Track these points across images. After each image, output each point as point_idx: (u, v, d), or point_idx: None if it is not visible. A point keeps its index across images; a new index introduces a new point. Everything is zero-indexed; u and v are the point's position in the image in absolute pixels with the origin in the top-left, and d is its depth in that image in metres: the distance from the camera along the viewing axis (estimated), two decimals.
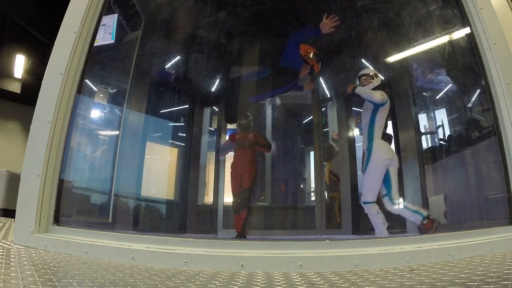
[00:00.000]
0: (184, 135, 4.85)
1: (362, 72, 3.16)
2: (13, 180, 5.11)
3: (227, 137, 4.56)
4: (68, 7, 2.26)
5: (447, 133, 3.96)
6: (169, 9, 4.07)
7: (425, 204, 3.75)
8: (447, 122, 4.00)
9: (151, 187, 4.33)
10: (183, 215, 4.37)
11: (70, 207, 2.66)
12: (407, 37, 3.85)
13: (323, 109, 4.99)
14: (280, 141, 5.10)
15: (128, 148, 3.92)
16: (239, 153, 3.81)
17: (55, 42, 2.20)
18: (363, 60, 4.44)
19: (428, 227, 2.67)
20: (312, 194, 4.98)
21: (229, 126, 5.08)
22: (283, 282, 1.28)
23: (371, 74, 3.06)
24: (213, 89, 4.82)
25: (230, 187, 3.72)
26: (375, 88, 2.95)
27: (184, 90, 4.71)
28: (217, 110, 5.07)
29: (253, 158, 3.75)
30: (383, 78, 3.06)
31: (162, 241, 1.80)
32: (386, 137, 3.73)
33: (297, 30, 3.74)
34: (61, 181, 2.07)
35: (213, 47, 4.45)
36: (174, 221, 4.43)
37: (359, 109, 5.00)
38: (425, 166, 3.94)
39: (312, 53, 3.34)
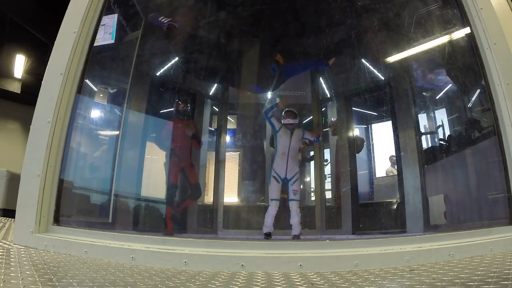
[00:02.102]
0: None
1: (290, 109, 3.70)
2: (13, 180, 5.10)
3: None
4: (68, 7, 2.26)
5: (447, 133, 3.96)
6: (169, 9, 4.07)
7: (425, 204, 3.75)
8: (447, 122, 4.00)
9: (151, 187, 4.32)
10: (183, 215, 4.37)
11: (70, 207, 2.66)
12: (407, 37, 3.85)
13: (323, 109, 5.00)
14: None
15: (128, 148, 3.91)
16: (183, 143, 3.78)
17: (55, 42, 2.20)
18: (363, 60, 4.44)
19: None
20: (312, 194, 4.98)
21: (229, 126, 5.10)
22: (283, 282, 1.28)
23: (295, 112, 3.65)
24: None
25: (168, 178, 3.76)
26: (296, 126, 3.62)
27: (184, 90, 4.71)
28: (217, 110, 5.07)
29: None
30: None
31: (162, 241, 1.81)
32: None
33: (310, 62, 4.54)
34: (61, 181, 2.07)
35: (213, 47, 4.45)
36: (174, 221, 4.42)
37: (359, 109, 5.03)
38: (425, 166, 3.94)
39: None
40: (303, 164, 5.09)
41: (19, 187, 1.98)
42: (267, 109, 3.69)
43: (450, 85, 3.95)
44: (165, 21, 3.69)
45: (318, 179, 4.64)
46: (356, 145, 4.52)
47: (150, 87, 4.30)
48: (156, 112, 4.43)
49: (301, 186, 3.71)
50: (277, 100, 4.83)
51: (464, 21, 2.32)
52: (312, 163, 4.93)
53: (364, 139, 4.68)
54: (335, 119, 4.82)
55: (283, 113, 3.67)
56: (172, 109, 4.46)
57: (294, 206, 3.41)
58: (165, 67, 4.49)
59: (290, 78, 4.21)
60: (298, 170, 3.55)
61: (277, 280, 1.32)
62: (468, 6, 2.24)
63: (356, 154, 4.59)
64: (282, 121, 3.62)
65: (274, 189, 3.47)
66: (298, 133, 3.63)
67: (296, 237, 3.35)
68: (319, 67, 4.53)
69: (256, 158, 5.04)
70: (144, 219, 4.16)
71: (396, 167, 4.43)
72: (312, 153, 4.93)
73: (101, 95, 3.79)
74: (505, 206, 2.01)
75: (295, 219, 3.37)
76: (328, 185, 4.75)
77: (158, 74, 4.45)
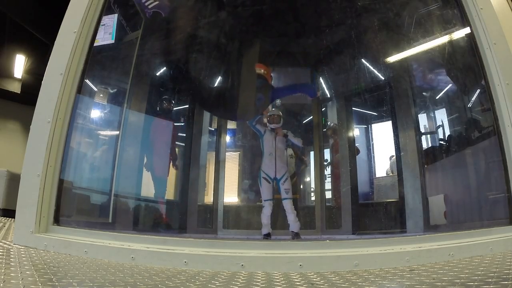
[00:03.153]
0: (184, 135, 4.86)
1: (273, 112, 3.79)
2: (13, 180, 5.10)
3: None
4: (68, 7, 2.26)
5: (447, 133, 3.96)
6: (169, 9, 4.07)
7: (425, 204, 3.75)
8: (447, 122, 4.00)
9: (151, 187, 4.32)
10: (183, 215, 4.37)
11: (70, 207, 2.66)
12: (407, 37, 3.85)
13: (323, 109, 5.00)
14: None
15: (128, 148, 3.91)
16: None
17: (55, 42, 2.19)
18: (363, 60, 4.44)
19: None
20: (312, 194, 4.98)
21: (229, 126, 5.10)
22: (283, 282, 1.28)
23: (279, 115, 3.74)
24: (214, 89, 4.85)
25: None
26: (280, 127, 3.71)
27: (184, 90, 4.71)
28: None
29: None
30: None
31: (162, 241, 1.80)
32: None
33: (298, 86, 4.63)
34: (61, 181, 2.06)
35: (213, 47, 4.45)
36: (174, 221, 4.43)
37: (359, 109, 5.03)
38: (425, 166, 3.94)
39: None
40: (302, 163, 5.11)
41: (19, 187, 1.97)
42: (250, 120, 3.79)
43: (450, 85, 3.95)
44: (150, 6, 3.48)
45: (318, 179, 4.64)
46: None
47: (150, 87, 4.31)
48: (156, 112, 4.43)
49: (291, 184, 3.75)
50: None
51: (464, 21, 2.32)
52: (312, 163, 4.94)
53: (359, 149, 4.79)
54: (331, 123, 4.84)
55: (267, 116, 3.78)
56: (172, 108, 4.49)
57: (288, 204, 3.48)
58: (165, 67, 4.49)
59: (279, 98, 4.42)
60: (287, 169, 3.64)
61: (277, 280, 1.32)
62: (468, 6, 2.24)
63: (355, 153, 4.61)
64: (267, 124, 3.71)
65: (266, 190, 3.56)
66: (278, 136, 3.72)
67: (296, 235, 3.38)
68: (307, 92, 4.69)
69: (256, 158, 5.04)
70: (144, 219, 4.17)
71: (396, 167, 4.43)
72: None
73: (101, 95, 3.79)
74: (505, 206, 2.01)
75: (291, 216, 3.44)
76: (328, 185, 4.75)
77: (158, 74, 4.45)
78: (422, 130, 4.13)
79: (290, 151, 4.49)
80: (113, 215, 3.57)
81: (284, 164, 3.63)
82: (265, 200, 3.54)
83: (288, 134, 3.72)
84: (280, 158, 3.61)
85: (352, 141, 4.63)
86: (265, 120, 3.79)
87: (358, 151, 4.68)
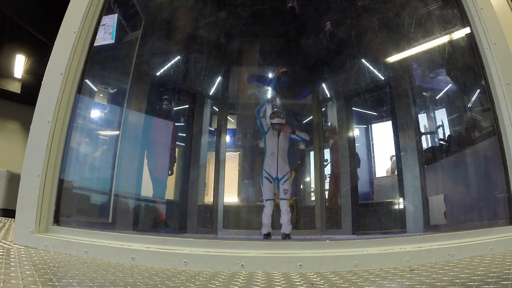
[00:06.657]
0: (184, 135, 4.86)
1: (277, 110, 3.86)
2: (13, 180, 5.10)
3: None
4: (68, 7, 2.26)
5: (447, 133, 3.96)
6: (169, 9, 4.07)
7: (425, 204, 3.75)
8: (447, 122, 4.00)
9: (151, 187, 4.32)
10: (183, 215, 4.37)
11: (70, 207, 2.66)
12: (407, 37, 3.85)
13: (323, 109, 5.00)
14: None
15: (128, 148, 3.91)
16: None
17: (55, 42, 2.20)
18: (363, 60, 4.44)
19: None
20: (312, 194, 4.98)
21: (229, 126, 5.10)
22: (283, 282, 1.28)
23: (282, 113, 3.76)
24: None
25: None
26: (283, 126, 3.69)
27: (184, 90, 4.72)
28: (217, 110, 5.08)
29: None
30: None
31: (162, 241, 1.80)
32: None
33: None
34: (61, 181, 2.06)
35: (213, 47, 4.45)
36: (174, 221, 4.43)
37: (359, 109, 5.03)
38: (425, 166, 3.94)
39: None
40: (302, 163, 5.10)
41: (19, 187, 1.97)
42: (259, 107, 3.75)
43: (450, 85, 3.95)
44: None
45: (318, 179, 4.64)
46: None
47: (150, 87, 4.31)
48: (156, 112, 4.43)
49: (291, 185, 3.72)
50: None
51: (464, 21, 2.32)
52: (312, 163, 4.94)
53: (360, 158, 4.75)
54: (330, 124, 4.84)
55: (270, 114, 3.75)
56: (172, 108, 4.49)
57: (284, 205, 3.45)
58: (165, 67, 4.49)
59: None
60: (288, 170, 3.60)
61: (277, 280, 1.32)
62: (468, 6, 2.24)
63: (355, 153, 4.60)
64: (270, 121, 3.68)
65: (267, 190, 3.53)
66: (285, 132, 3.69)
67: (287, 236, 3.37)
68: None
69: (256, 158, 5.04)
70: (144, 219, 4.17)
71: (396, 167, 4.43)
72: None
73: (101, 95, 3.79)
74: (505, 206, 2.01)
75: (285, 217, 3.41)
76: (328, 185, 4.75)
77: (158, 74, 4.45)
78: (422, 130, 4.13)
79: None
80: (113, 215, 3.57)
81: (286, 164, 3.59)
82: (266, 200, 3.51)
83: (295, 131, 3.70)
84: (283, 158, 3.58)
85: (352, 141, 4.63)
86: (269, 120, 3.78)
87: (359, 161, 4.59)
